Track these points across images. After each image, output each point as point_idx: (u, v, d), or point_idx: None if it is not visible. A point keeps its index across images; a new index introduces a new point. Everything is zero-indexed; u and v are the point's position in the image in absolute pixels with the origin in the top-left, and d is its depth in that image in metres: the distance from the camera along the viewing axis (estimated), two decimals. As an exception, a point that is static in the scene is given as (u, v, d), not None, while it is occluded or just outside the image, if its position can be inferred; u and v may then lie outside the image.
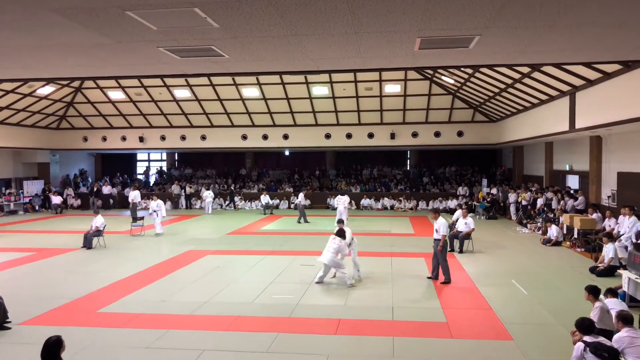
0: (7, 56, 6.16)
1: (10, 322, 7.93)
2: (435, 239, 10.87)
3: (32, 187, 27.33)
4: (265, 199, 24.91)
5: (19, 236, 17.66)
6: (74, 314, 8.56)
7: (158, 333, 7.57)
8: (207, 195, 26.15)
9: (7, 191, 25.81)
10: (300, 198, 21.53)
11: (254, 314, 8.55)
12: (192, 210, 27.31)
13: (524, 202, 20.08)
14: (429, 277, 10.90)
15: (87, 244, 15.06)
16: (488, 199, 22.94)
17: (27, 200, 26.46)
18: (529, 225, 18.53)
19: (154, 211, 17.90)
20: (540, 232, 17.18)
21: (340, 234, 10.63)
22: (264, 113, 25.43)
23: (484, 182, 26.31)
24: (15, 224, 21.16)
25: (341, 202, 20.37)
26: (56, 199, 25.96)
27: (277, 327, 7.80)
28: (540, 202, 18.67)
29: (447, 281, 10.57)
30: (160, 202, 18.12)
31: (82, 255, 14.21)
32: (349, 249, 10.85)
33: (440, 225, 10.70)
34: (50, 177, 29.06)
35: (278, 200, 27.56)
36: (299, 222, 20.90)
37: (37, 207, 26.56)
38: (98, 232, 15.39)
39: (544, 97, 16.59)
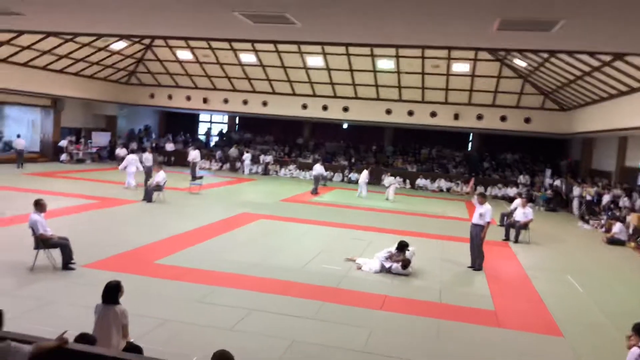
0: (84, 12, 6.38)
1: (74, 263, 8.42)
2: (475, 224, 10.32)
3: (100, 138, 28.60)
4: (322, 169, 24.32)
5: (86, 184, 18.60)
6: (133, 263, 9.00)
7: (209, 289, 7.86)
8: (246, 157, 27.40)
9: (70, 138, 27.12)
10: (320, 169, 21.49)
11: (301, 280, 8.70)
12: (250, 174, 27.83)
13: (588, 197, 19.22)
14: (469, 267, 10.41)
15: (148, 198, 15.68)
16: (550, 191, 22.12)
17: (94, 150, 27.75)
18: (591, 222, 17.76)
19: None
20: (603, 229, 16.45)
21: (401, 248, 9.90)
22: (326, 83, 25.33)
23: (548, 172, 25.32)
24: (83, 172, 22.29)
25: (362, 175, 20.55)
26: (121, 152, 27.06)
27: (323, 296, 7.92)
28: (606, 198, 17.83)
29: (479, 268, 10.24)
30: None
31: (143, 207, 14.84)
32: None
33: (487, 211, 10.15)
34: (117, 129, 30.30)
35: (332, 173, 27.62)
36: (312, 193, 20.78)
37: (103, 157, 27.83)
38: (159, 187, 15.98)
39: (623, 89, 15.63)
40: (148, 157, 19.84)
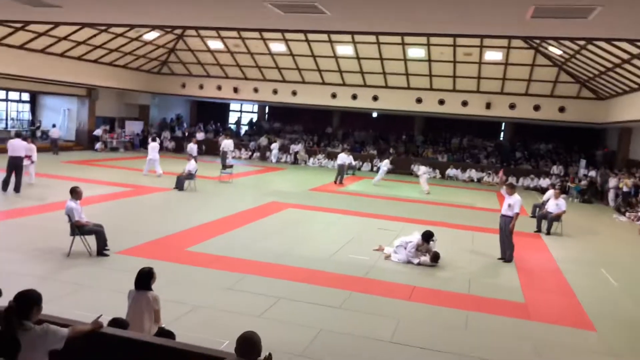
0: (119, 3, 6.50)
1: (108, 249, 8.65)
2: (504, 215, 10.18)
3: (133, 127, 29.16)
4: (347, 159, 22.59)
5: (119, 172, 19.03)
6: (164, 250, 9.19)
7: (238, 276, 7.98)
8: (274, 146, 28.04)
9: (104, 127, 27.70)
10: (346, 158, 21.22)
11: (329, 269, 8.75)
12: (278, 163, 28.00)
13: (625, 189, 18.69)
14: (499, 259, 10.28)
15: (179, 186, 15.95)
16: (585, 182, 21.59)
17: (127, 139, 28.32)
18: (627, 214, 17.29)
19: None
20: (639, 222, 16.00)
21: (427, 237, 9.69)
22: (356, 72, 25.17)
23: (582, 162, 24.69)
24: (116, 160, 22.80)
25: (383, 164, 20.73)
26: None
27: (351, 286, 7.94)
28: (643, 190, 17.32)
29: (509, 259, 10.09)
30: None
31: (175, 195, 15.11)
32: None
33: (516, 202, 9.97)
34: (149, 119, 30.85)
35: (360, 162, 27.53)
36: (335, 182, 20.56)
37: (136, 146, 28.38)
38: (190, 176, 16.23)
39: (664, 77, 15.10)
40: (193, 147, 20.28)
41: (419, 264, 9.37)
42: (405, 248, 9.54)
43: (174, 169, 19.73)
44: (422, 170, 21.06)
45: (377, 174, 21.73)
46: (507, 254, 10.17)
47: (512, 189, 10.22)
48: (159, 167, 18.79)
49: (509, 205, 10.06)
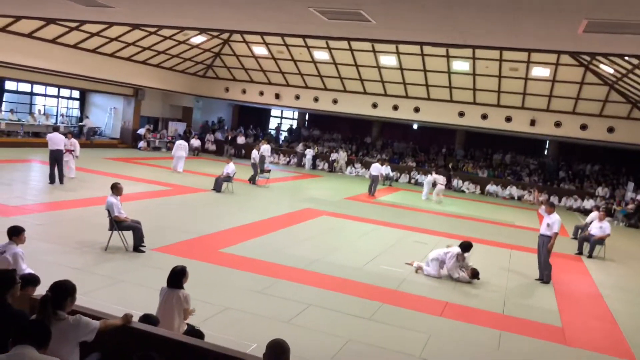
0: (169, 4, 6.64)
1: (145, 246, 8.82)
2: (543, 235, 9.87)
3: (177, 128, 29.79)
4: (383, 169, 22.29)
5: (160, 171, 19.43)
6: (199, 249, 9.30)
7: (270, 280, 7.98)
8: (308, 152, 28.28)
9: (148, 127, 28.35)
10: (380, 169, 20.59)
11: (361, 279, 8.66)
12: (315, 170, 28.06)
13: (674, 215, 17.89)
14: (537, 280, 9.95)
15: (217, 188, 16.16)
16: (632, 205, 20.76)
17: (170, 139, 28.94)
18: (676, 242, 16.53)
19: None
20: (689, 251, 15.25)
21: (466, 248, 9.48)
22: (398, 83, 25.02)
23: (630, 185, 23.76)
24: (158, 159, 23.30)
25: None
26: (195, 142, 28.06)
27: (382, 297, 7.83)
28: (695, 218, 16.51)
29: (547, 280, 9.75)
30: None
31: (212, 197, 15.31)
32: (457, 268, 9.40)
33: (555, 221, 9.64)
34: (192, 121, 31.46)
35: (398, 174, 27.27)
36: (369, 194, 19.83)
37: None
38: (228, 178, 16.43)
39: None
40: (259, 154, 19.89)
41: (457, 279, 9.17)
42: (444, 261, 9.34)
43: (213, 171, 20.02)
44: (440, 180, 20.71)
45: (433, 189, 20.79)
46: (544, 275, 9.86)
47: (551, 207, 9.95)
48: (181, 165, 19.51)
49: (548, 225, 9.76)
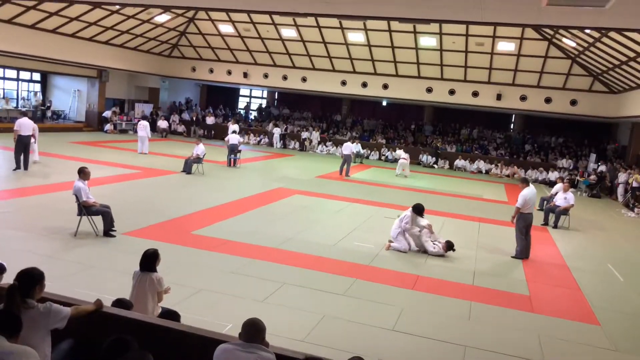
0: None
1: (115, 230, 8.69)
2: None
3: (142, 110, 29.17)
4: (354, 147, 21.91)
5: (127, 154, 19.07)
6: (171, 232, 9.22)
7: (244, 261, 7.99)
8: (276, 131, 28.50)
9: (114, 109, 27.76)
10: (352, 147, 20.32)
11: (334, 256, 8.74)
12: (284, 149, 27.98)
13: (634, 184, 18.50)
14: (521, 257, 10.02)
15: (187, 169, 15.97)
16: (594, 176, 21.40)
17: (137, 121, 28.34)
18: (636, 209, 17.14)
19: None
20: (648, 218, 15.87)
21: (418, 209, 9.68)
22: (366, 60, 24.99)
23: (592, 157, 24.47)
24: (125, 142, 22.84)
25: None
26: (162, 124, 27.58)
27: (355, 273, 7.94)
28: (654, 186, 17.13)
29: (519, 256, 9.87)
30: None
31: (182, 179, 15.14)
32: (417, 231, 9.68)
33: (519, 196, 9.82)
34: (159, 102, 30.86)
35: (368, 151, 27.43)
36: (341, 174, 19.51)
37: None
38: (198, 159, 16.24)
39: (679, 72, 14.87)
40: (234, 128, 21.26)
41: (433, 253, 9.34)
42: (404, 230, 9.49)
43: (182, 152, 19.76)
44: (403, 155, 21.07)
45: (398, 165, 21.22)
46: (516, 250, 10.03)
47: (524, 183, 10.10)
48: (146, 146, 19.40)
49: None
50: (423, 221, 9.65)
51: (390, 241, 9.70)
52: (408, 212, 9.71)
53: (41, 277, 3.67)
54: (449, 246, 9.47)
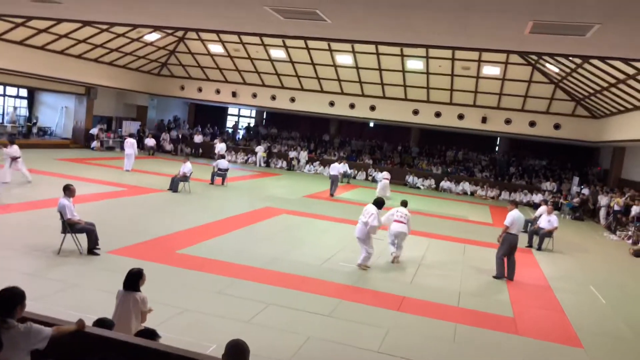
0: (121, 2, 6.51)
1: (99, 248, 8.60)
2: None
3: (130, 128, 29.11)
4: (342, 168, 22.43)
5: (114, 171, 18.97)
6: (155, 251, 9.15)
7: (229, 280, 7.94)
8: (259, 149, 28.37)
9: (101, 126, 27.64)
10: (340, 167, 20.32)
11: (320, 277, 8.73)
12: (271, 168, 28.00)
13: (616, 207, 18.77)
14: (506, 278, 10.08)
15: (174, 188, 15.90)
16: (577, 199, 21.67)
17: (124, 139, 28.24)
18: (618, 232, 17.37)
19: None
20: (630, 241, 16.06)
21: (378, 203, 9.76)
22: (354, 82, 25.27)
23: (575, 180, 24.82)
24: (112, 159, 22.72)
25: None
26: (150, 141, 27.49)
27: (341, 294, 7.93)
28: (635, 209, 17.37)
29: (498, 276, 9.96)
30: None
31: (168, 197, 15.06)
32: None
33: (507, 216, 9.98)
34: (147, 119, 30.80)
35: (355, 171, 27.55)
36: (331, 195, 19.41)
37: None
38: (185, 178, 16.19)
39: (659, 98, 15.22)
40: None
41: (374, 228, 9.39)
42: (368, 223, 9.41)
43: (169, 170, 19.69)
44: (384, 175, 21.23)
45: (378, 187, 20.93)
46: (497, 272, 10.05)
47: (512, 205, 10.26)
48: (131, 164, 19.34)
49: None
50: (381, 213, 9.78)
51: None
52: (373, 210, 9.53)
53: (22, 297, 3.62)
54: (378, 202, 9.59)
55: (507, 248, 9.92)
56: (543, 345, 6.87)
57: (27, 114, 26.20)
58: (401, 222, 10.15)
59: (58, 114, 26.76)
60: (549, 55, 9.01)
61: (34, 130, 25.13)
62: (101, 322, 4.34)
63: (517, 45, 6.45)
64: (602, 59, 12.30)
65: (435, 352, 6.28)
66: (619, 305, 9.22)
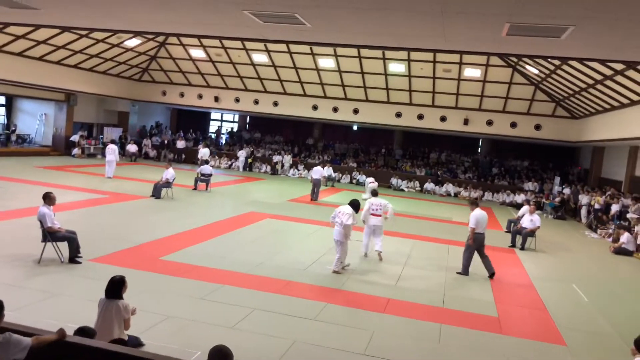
0: (97, 7, 6.46)
1: (81, 257, 8.49)
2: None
3: (111, 134, 28.82)
4: (325, 171, 21.93)
5: (95, 179, 18.75)
6: (138, 258, 9.06)
7: (213, 286, 7.89)
8: (241, 154, 28.32)
9: (81, 133, 27.34)
10: (322, 171, 20.08)
11: (305, 281, 8.72)
12: (255, 173, 27.93)
13: (597, 206, 19.06)
14: (489, 276, 10.18)
15: (156, 194, 15.77)
16: (559, 198, 21.97)
17: (105, 145, 27.95)
18: (599, 231, 17.63)
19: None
20: (610, 239, 16.31)
21: (356, 205, 9.93)
22: (337, 85, 25.35)
23: (557, 180, 25.17)
24: (94, 166, 22.47)
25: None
26: (132, 148, 27.25)
27: (326, 297, 7.92)
28: (615, 208, 17.66)
29: (463, 273, 10.14)
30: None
31: (151, 203, 14.93)
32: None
33: (470, 218, 10.12)
34: (128, 126, 30.54)
35: (340, 174, 27.61)
36: (312, 199, 19.24)
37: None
38: (167, 184, 16.07)
39: (635, 98, 15.50)
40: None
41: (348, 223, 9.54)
42: (341, 223, 9.57)
43: (151, 176, 19.52)
44: (370, 180, 21.30)
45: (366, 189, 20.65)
46: (463, 269, 10.21)
47: (473, 205, 10.38)
48: (112, 170, 19.19)
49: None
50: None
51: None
52: (349, 210, 9.71)
53: (0, 307, 3.57)
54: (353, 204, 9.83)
55: (475, 246, 10.08)
56: (527, 343, 6.94)
57: (5, 122, 25.80)
58: (378, 215, 10.70)
59: (37, 121, 26.40)
60: (527, 56, 9.15)
61: (13, 138, 24.74)
62: (82, 331, 4.29)
63: (496, 47, 6.53)
64: (579, 60, 12.51)
65: (421, 353, 6.30)
66: (601, 303, 9.35)
